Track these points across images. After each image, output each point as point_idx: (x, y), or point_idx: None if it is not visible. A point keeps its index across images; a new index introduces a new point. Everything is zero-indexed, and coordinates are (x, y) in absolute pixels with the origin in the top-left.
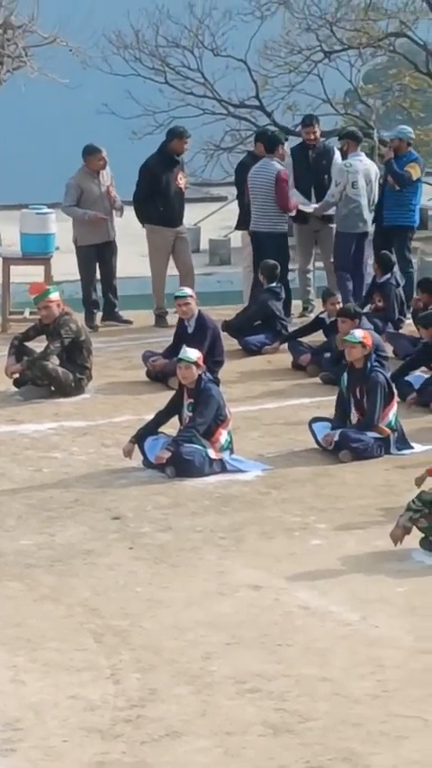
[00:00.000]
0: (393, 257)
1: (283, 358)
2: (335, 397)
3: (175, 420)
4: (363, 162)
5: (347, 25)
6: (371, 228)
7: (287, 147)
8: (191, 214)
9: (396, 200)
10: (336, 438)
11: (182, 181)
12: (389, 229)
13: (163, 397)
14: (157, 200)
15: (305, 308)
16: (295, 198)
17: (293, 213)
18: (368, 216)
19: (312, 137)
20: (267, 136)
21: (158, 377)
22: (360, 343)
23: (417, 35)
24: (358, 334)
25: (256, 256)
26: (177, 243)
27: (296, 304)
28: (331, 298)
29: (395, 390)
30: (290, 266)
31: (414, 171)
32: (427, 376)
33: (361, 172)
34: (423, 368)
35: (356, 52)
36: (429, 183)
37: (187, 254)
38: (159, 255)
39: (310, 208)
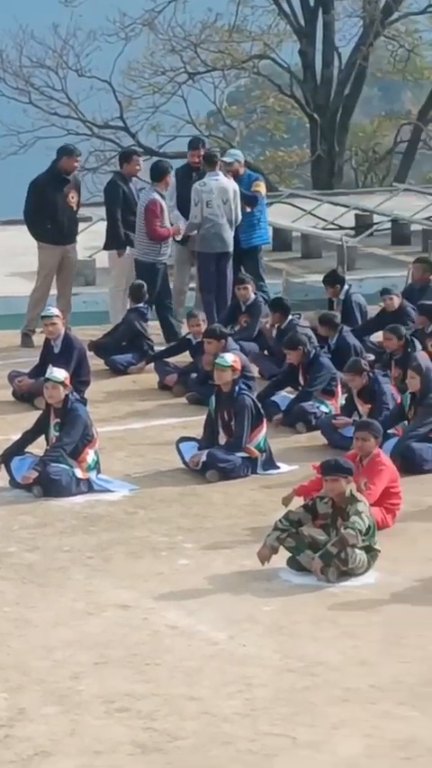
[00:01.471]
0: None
1: (150, 378)
2: (201, 418)
3: (41, 440)
4: (219, 181)
5: (211, 47)
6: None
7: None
8: None
9: (248, 221)
10: (203, 458)
11: (73, 199)
12: (244, 250)
13: (29, 417)
14: (46, 218)
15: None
16: (181, 221)
17: (179, 238)
18: (228, 235)
19: (197, 159)
20: (156, 164)
21: (25, 397)
22: (230, 367)
23: (280, 57)
24: (228, 358)
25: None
26: (64, 261)
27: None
28: (193, 318)
29: (263, 412)
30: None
31: (261, 188)
32: (292, 397)
33: (216, 191)
34: (289, 388)
35: (220, 74)
36: (296, 206)
37: (70, 274)
38: (44, 273)
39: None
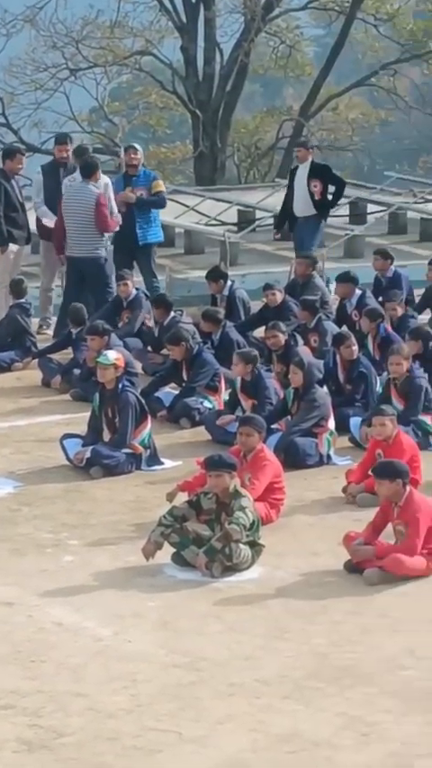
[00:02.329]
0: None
1: (33, 375)
2: (85, 414)
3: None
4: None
5: (93, 43)
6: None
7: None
8: None
9: (144, 218)
10: (87, 455)
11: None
12: (139, 247)
13: None
14: None
15: (41, 326)
16: (46, 216)
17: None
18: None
19: (65, 154)
20: (87, 161)
21: None
22: (113, 365)
23: (162, 53)
24: (111, 355)
25: (76, 281)
26: None
27: (34, 321)
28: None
29: (146, 409)
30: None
31: (161, 187)
32: (176, 392)
33: None
34: (172, 384)
35: (102, 70)
36: (179, 202)
37: None
38: None
39: (52, 222)
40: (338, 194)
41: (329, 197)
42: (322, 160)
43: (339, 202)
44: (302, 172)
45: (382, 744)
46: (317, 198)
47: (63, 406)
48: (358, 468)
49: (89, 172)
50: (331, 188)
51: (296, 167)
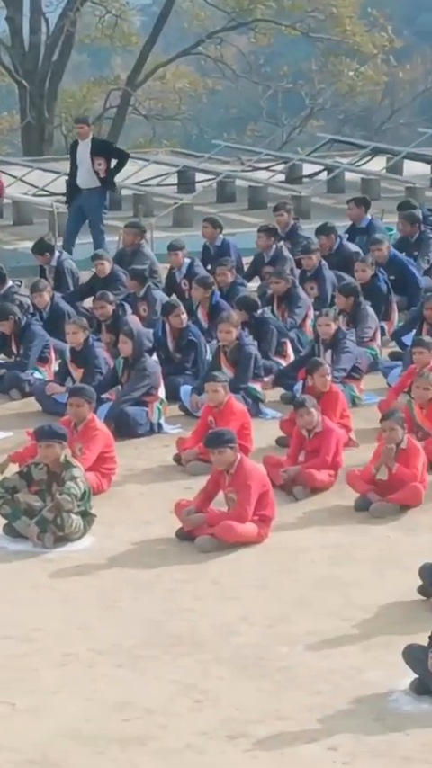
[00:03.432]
0: None
1: None
2: None
3: None
4: None
5: None
6: None
7: None
8: None
9: None
10: None
11: None
12: None
13: None
14: None
15: None
16: None
17: None
18: None
19: None
20: None
21: None
22: None
23: None
24: None
25: None
26: None
27: None
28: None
29: None
30: None
31: None
32: (2, 361)
33: None
34: (2, 356)
35: None
36: (6, 173)
37: None
38: None
39: None
40: (120, 165)
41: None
42: (150, 129)
43: (167, 172)
44: (84, 148)
45: (216, 710)
46: (102, 176)
47: None
48: (192, 435)
49: None
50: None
51: (76, 142)
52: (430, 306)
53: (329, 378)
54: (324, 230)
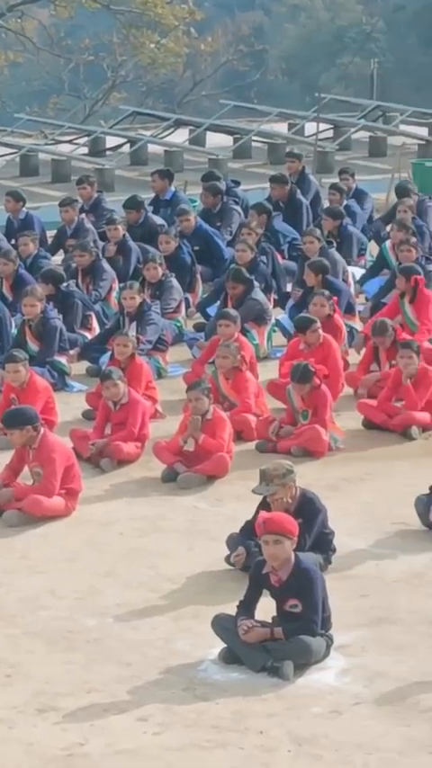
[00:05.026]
0: None
1: None
2: None
3: None
4: None
5: None
6: None
7: None
8: None
9: None
10: None
11: None
12: None
13: None
14: None
15: None
16: None
17: None
18: None
19: None
20: None
21: None
22: None
23: None
24: None
25: None
26: None
27: None
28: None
29: None
30: None
31: None
32: None
33: None
34: None
35: None
36: None
37: None
38: None
39: None
40: None
41: None
42: None
43: None
44: None
45: (26, 684)
46: None
47: None
48: None
49: None
50: None
51: None
52: (231, 285)
53: (130, 348)
54: (132, 204)
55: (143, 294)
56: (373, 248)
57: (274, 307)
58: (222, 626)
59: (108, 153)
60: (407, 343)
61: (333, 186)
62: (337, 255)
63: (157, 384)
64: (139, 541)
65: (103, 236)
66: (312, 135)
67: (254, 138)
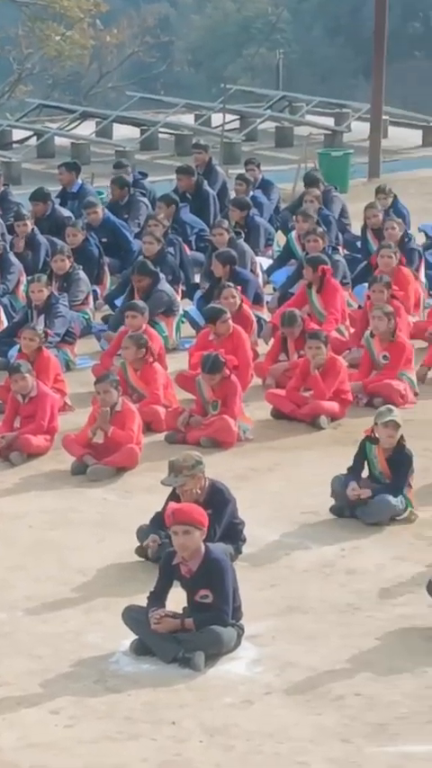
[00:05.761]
0: None
1: None
2: None
3: None
4: None
5: None
6: None
7: None
8: None
9: None
10: None
11: None
12: None
13: None
14: None
15: None
16: None
17: None
18: None
19: None
20: None
21: None
22: None
23: None
24: None
25: None
26: None
27: None
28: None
29: None
30: None
31: None
32: None
33: None
34: None
35: None
36: None
37: None
38: None
39: None
40: None
41: None
42: None
43: None
44: None
45: None
46: None
47: None
48: None
49: None
50: None
51: None
52: (136, 278)
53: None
54: (39, 196)
55: (51, 287)
56: (280, 239)
57: (182, 298)
58: (133, 617)
59: (15, 146)
60: (315, 333)
61: (239, 177)
62: (245, 246)
63: (65, 376)
64: (49, 534)
65: (10, 230)
66: (219, 126)
67: (161, 129)
